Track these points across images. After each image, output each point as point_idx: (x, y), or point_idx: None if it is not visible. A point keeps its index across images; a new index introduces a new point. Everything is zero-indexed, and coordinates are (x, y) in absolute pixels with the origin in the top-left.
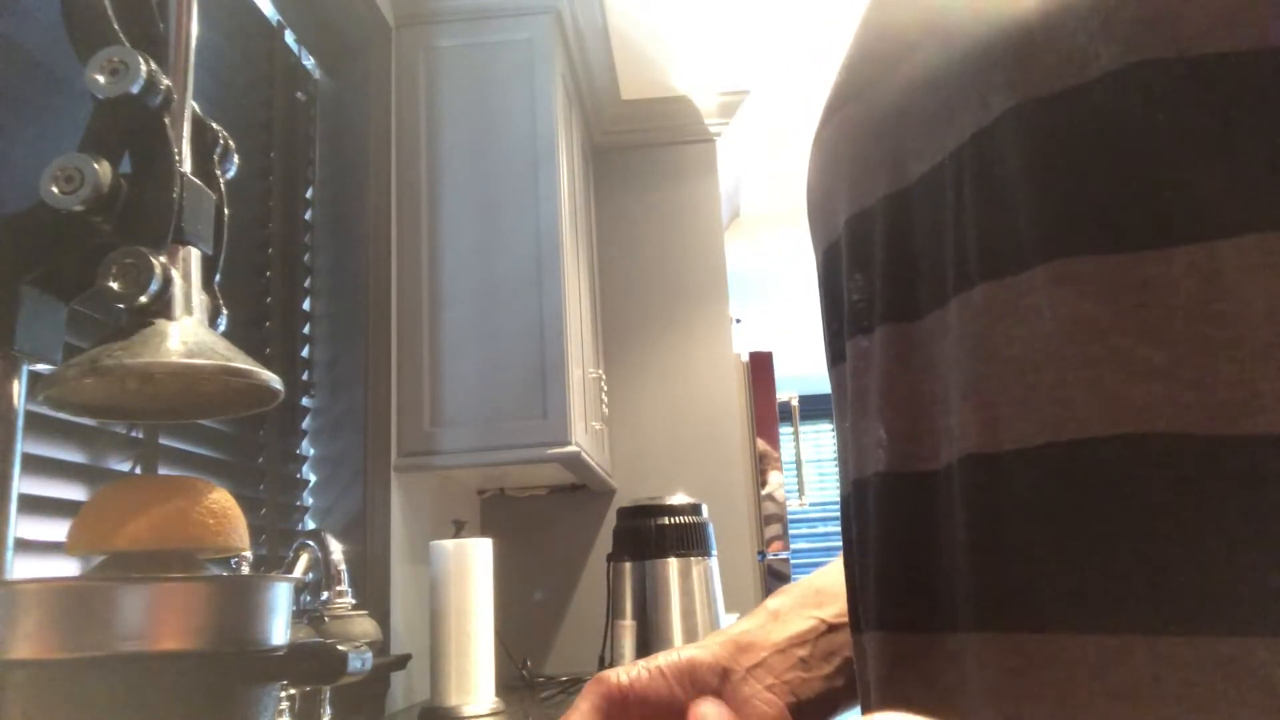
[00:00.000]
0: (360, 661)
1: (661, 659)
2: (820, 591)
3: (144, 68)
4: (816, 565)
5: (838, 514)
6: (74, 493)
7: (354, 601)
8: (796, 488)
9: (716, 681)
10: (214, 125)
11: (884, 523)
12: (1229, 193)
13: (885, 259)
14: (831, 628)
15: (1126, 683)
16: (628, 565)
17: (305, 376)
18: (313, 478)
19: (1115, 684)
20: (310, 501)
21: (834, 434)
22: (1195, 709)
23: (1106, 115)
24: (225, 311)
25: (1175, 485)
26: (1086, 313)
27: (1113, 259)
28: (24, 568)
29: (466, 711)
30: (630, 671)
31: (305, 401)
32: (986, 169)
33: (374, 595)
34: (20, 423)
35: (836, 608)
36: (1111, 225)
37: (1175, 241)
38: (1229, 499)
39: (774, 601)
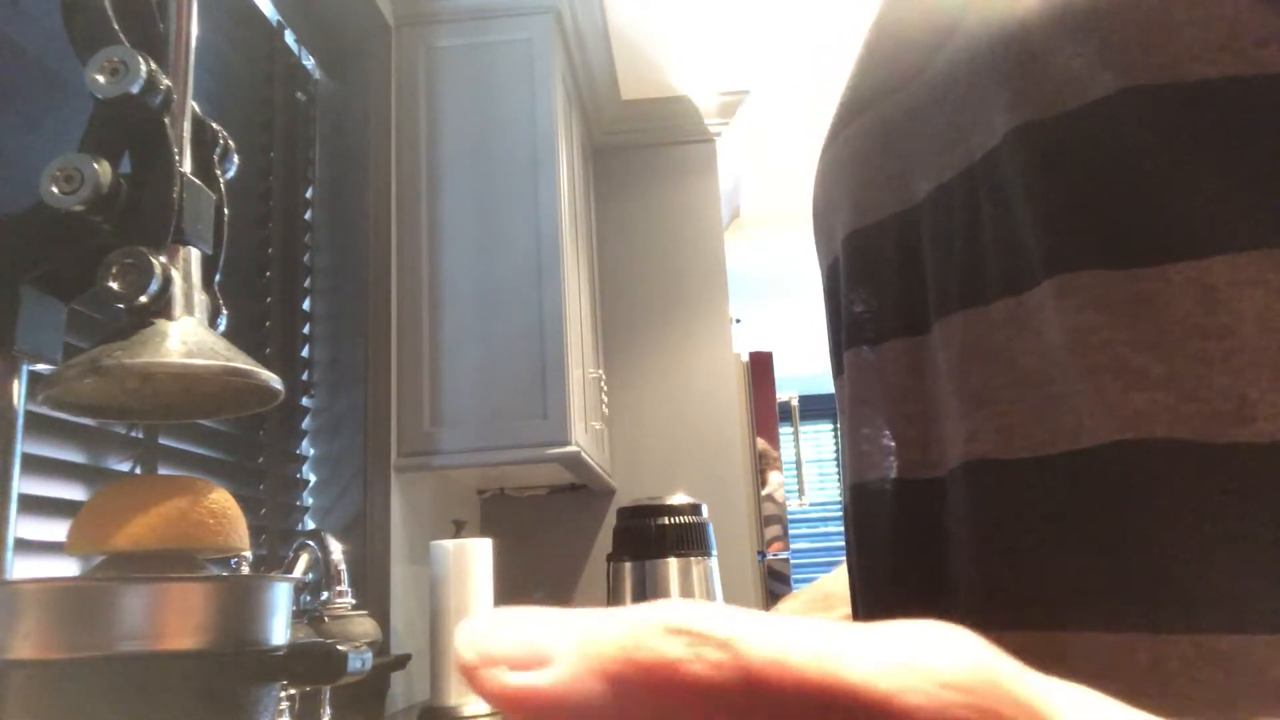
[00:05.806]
0: (360, 661)
1: None
2: (829, 595)
3: (144, 68)
4: (816, 565)
5: (838, 514)
6: (74, 493)
7: (354, 601)
8: (797, 488)
9: None
10: (214, 125)
11: (895, 527)
12: (1221, 212)
13: (895, 274)
14: None
15: (1130, 679)
16: (627, 565)
17: (305, 376)
18: (313, 478)
19: (1120, 680)
20: (310, 501)
21: (836, 438)
22: (1197, 704)
23: (1103, 138)
24: (225, 311)
25: (1175, 489)
26: (1088, 324)
27: (1112, 274)
28: (24, 568)
29: (466, 711)
30: None
31: (305, 401)
32: (999, 187)
33: (374, 595)
34: (20, 423)
35: (845, 610)
36: (1110, 243)
37: (1171, 258)
38: (1225, 503)
39: (785, 605)
